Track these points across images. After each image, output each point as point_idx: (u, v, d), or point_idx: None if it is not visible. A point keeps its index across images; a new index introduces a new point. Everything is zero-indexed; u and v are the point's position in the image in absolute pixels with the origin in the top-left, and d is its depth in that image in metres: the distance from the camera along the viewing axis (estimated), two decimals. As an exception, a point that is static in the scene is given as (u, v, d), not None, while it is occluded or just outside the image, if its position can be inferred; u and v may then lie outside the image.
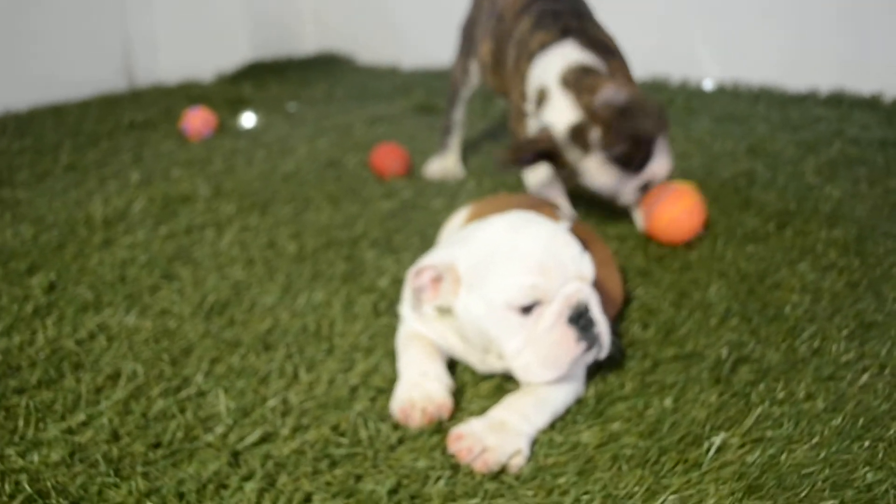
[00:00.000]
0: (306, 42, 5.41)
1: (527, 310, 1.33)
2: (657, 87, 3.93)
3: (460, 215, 1.86)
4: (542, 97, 2.07)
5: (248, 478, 1.26)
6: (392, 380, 1.53)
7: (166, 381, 1.54)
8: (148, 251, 2.16)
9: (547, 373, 1.34)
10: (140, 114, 3.86)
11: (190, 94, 4.31)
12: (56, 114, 3.91)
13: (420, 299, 1.43)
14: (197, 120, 3.51)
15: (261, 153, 3.14)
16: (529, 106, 2.14)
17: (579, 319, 1.33)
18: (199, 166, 2.96)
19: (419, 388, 1.38)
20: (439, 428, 1.37)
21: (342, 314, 1.79)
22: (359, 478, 1.26)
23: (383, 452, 1.32)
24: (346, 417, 1.41)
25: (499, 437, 1.28)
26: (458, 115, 2.83)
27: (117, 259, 2.10)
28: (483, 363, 1.47)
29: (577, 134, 1.99)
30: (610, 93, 1.96)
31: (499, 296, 1.33)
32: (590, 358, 1.38)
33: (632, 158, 1.98)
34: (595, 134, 1.97)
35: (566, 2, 2.34)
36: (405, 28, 5.05)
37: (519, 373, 1.36)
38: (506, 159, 2.07)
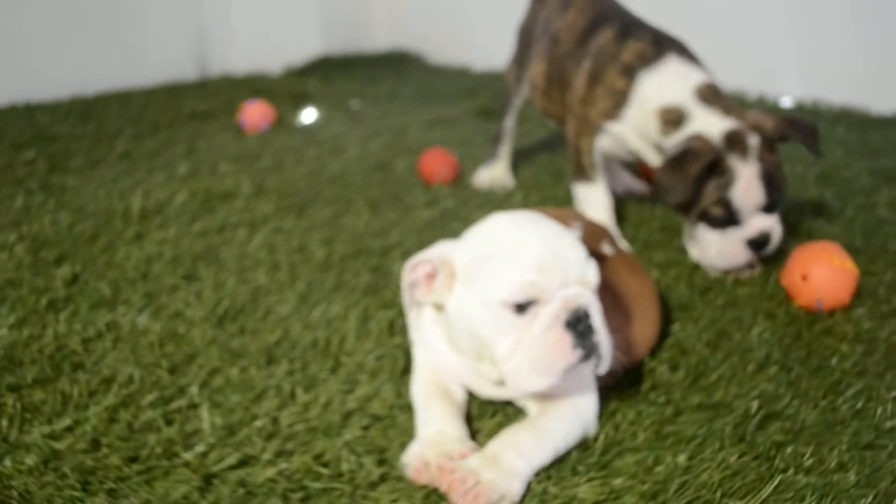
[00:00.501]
0: (377, 39, 5.37)
1: (522, 309, 1.24)
2: (733, 103, 3.74)
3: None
4: (675, 117, 1.98)
5: (214, 505, 1.20)
6: (392, 405, 1.45)
7: (160, 390, 1.49)
8: (176, 248, 2.12)
9: (539, 379, 1.24)
10: (203, 104, 3.87)
11: (255, 86, 4.31)
12: (122, 100, 3.96)
13: (413, 296, 1.34)
14: (255, 113, 3.49)
15: (312, 151, 3.09)
16: (653, 128, 2.03)
17: (577, 324, 1.23)
18: (248, 161, 2.93)
19: (437, 448, 1.26)
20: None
21: (355, 330, 1.71)
22: (330, 516, 1.18)
23: (362, 489, 1.23)
24: (333, 446, 1.33)
25: (493, 473, 1.19)
26: (509, 122, 2.73)
27: (144, 255, 2.08)
28: (481, 379, 1.38)
29: (736, 139, 1.91)
30: (759, 111, 2.00)
31: (494, 292, 1.25)
32: (588, 370, 1.29)
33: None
34: (754, 140, 1.91)
35: (625, 9, 2.24)
36: (477, 29, 4.96)
37: (510, 377, 1.26)
38: (667, 179, 1.92)
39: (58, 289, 1.88)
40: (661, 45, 2.08)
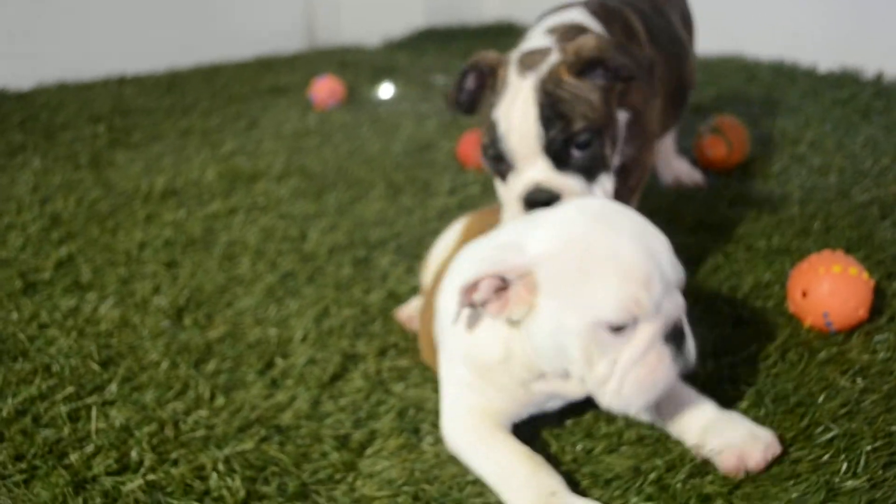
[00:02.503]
0: (486, 10, 5.21)
1: (619, 328, 1.09)
2: (843, 81, 3.34)
3: (454, 231, 1.62)
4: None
5: (67, 515, 1.15)
6: (302, 416, 1.36)
7: (80, 384, 1.46)
8: (176, 232, 2.11)
9: (641, 399, 1.13)
10: (285, 78, 3.88)
11: (343, 59, 4.29)
12: (209, 74, 4.03)
13: (476, 316, 1.20)
14: (323, 90, 3.46)
15: (364, 130, 3.02)
16: None
17: (674, 337, 1.13)
18: (295, 139, 2.90)
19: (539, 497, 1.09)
20: (301, 492, 1.18)
21: (305, 329, 1.63)
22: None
23: (217, 513, 1.15)
24: (215, 460, 1.26)
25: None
26: None
27: (140, 238, 2.07)
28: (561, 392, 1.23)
29: (532, 57, 1.50)
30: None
31: (590, 311, 1.08)
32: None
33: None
34: (553, 58, 1.42)
35: None
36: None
37: (606, 399, 1.13)
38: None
39: (45, 270, 1.91)
40: None
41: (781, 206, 2.12)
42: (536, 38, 1.50)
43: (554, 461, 1.22)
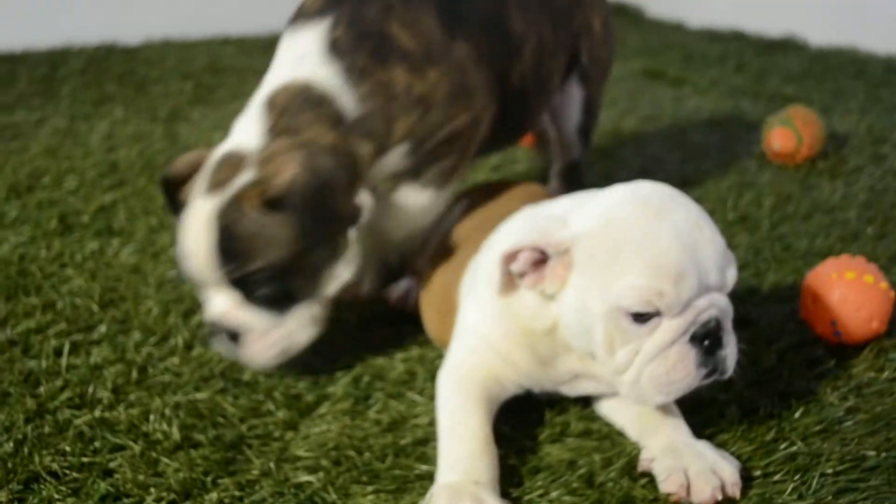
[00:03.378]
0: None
1: (641, 318, 1.06)
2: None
3: (458, 206, 1.59)
4: None
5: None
6: (263, 373, 1.37)
7: (74, 323, 1.54)
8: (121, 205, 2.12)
9: (657, 395, 1.09)
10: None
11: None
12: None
13: (512, 285, 1.15)
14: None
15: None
16: None
17: (704, 339, 1.07)
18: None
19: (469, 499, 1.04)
20: None
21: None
22: None
23: None
24: (165, 405, 1.29)
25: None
26: None
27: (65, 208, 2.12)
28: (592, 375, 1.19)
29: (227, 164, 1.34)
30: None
31: (611, 295, 1.05)
32: (706, 383, 1.10)
33: None
34: (247, 174, 1.30)
35: None
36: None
37: (624, 389, 1.11)
38: None
39: (85, 214, 2.00)
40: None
41: (839, 207, 1.97)
42: (251, 117, 1.30)
43: (506, 445, 1.17)
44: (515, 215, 1.29)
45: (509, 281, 1.13)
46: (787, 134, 2.24)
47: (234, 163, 1.25)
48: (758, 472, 1.12)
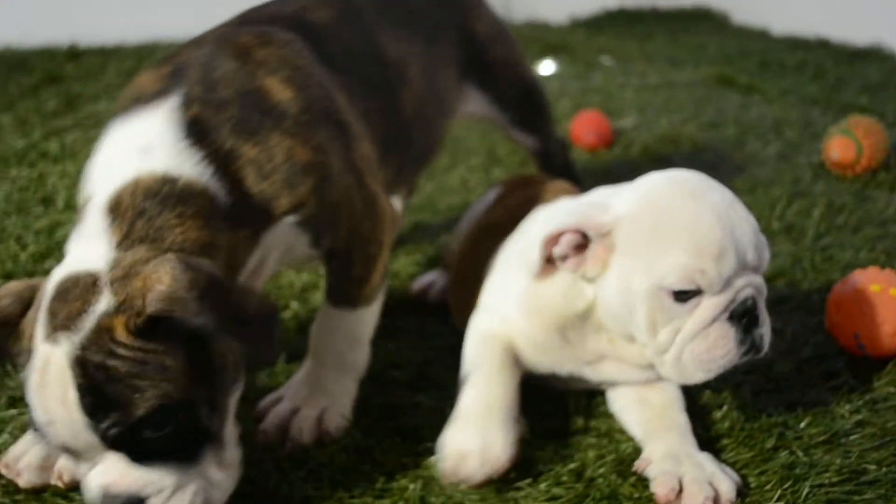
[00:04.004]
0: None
1: (682, 296, 1.09)
2: None
3: (490, 195, 1.62)
4: None
5: None
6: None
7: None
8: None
9: (698, 373, 1.12)
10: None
11: (520, 34, 4.28)
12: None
13: (551, 269, 1.18)
14: (480, 61, 3.49)
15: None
16: None
17: (743, 317, 1.10)
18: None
19: (479, 434, 1.10)
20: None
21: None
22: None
23: None
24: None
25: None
26: None
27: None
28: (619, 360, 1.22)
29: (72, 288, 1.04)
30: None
31: (654, 274, 1.08)
32: (744, 360, 1.13)
33: None
34: (96, 312, 1.00)
35: None
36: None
37: (665, 369, 1.14)
38: None
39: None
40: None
41: (892, 220, 1.91)
42: (91, 228, 1.03)
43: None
44: (553, 203, 1.32)
45: (548, 265, 1.16)
46: (847, 143, 2.18)
47: (82, 288, 0.95)
48: (752, 480, 1.12)
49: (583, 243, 1.13)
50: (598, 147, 2.48)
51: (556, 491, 1.10)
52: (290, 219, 1.14)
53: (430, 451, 1.17)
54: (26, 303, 1.00)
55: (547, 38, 4.20)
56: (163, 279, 0.92)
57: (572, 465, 1.15)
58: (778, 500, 1.07)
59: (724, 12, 4.82)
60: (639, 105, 2.96)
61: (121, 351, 0.92)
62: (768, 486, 1.10)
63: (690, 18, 4.76)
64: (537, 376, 1.25)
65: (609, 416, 1.27)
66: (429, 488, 1.11)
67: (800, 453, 1.16)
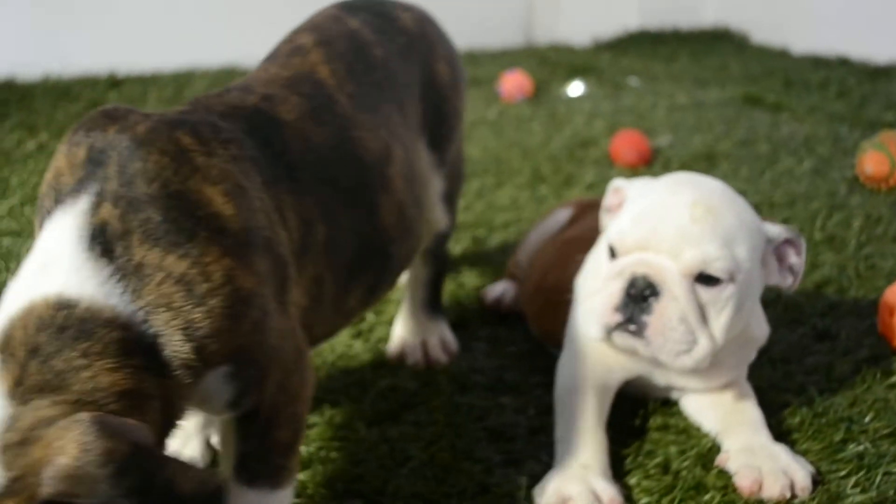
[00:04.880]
0: (704, 14, 5.10)
1: (612, 255, 1.22)
2: None
3: (562, 213, 1.71)
4: None
5: None
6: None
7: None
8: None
9: (587, 325, 1.23)
10: (485, 70, 4.05)
11: (545, 56, 4.40)
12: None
13: (604, 220, 1.33)
14: (511, 83, 3.60)
15: (535, 124, 3.13)
16: None
17: (630, 289, 1.16)
18: (468, 127, 3.06)
19: (583, 483, 1.15)
20: None
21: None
22: None
23: None
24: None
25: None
26: None
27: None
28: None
29: None
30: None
31: (608, 230, 1.26)
32: (632, 343, 1.17)
33: None
34: None
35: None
36: (803, 7, 4.49)
37: (580, 319, 1.28)
38: None
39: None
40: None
41: (929, 230, 2.00)
42: None
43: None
44: None
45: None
46: (880, 158, 2.27)
47: None
48: (824, 469, 1.20)
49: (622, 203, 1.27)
50: (638, 165, 2.57)
51: (646, 483, 1.19)
52: (224, 367, 0.89)
53: (521, 450, 1.26)
54: None
55: (572, 61, 4.30)
56: (67, 449, 0.71)
57: (658, 460, 1.24)
58: (854, 486, 1.15)
59: (744, 32, 4.92)
60: (671, 124, 3.06)
61: None
62: (843, 474, 1.18)
63: (711, 39, 4.87)
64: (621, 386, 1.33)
65: (685, 415, 1.36)
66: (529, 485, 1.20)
67: (867, 444, 1.24)
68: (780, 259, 1.23)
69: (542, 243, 1.63)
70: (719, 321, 1.17)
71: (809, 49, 4.38)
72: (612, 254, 1.21)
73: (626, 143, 2.59)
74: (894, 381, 1.41)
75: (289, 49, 1.21)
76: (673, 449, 1.27)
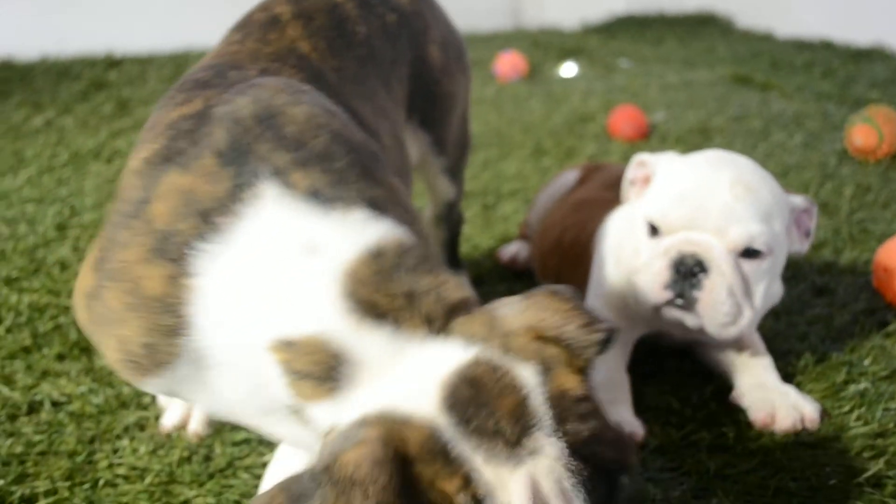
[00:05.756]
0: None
1: (654, 232, 1.27)
2: None
3: (569, 176, 1.80)
4: None
5: None
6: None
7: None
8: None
9: (637, 303, 1.28)
10: (478, 52, 4.11)
11: (537, 39, 4.48)
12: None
13: (626, 192, 1.40)
14: (506, 64, 3.68)
15: (533, 101, 3.21)
16: None
17: (680, 267, 1.22)
18: (466, 105, 3.14)
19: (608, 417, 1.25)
20: None
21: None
22: None
23: None
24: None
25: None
26: None
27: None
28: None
29: None
30: None
31: (644, 207, 1.29)
32: (681, 316, 1.24)
33: None
34: None
35: None
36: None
37: (633, 293, 1.29)
38: None
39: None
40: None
41: (916, 197, 2.11)
42: None
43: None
44: None
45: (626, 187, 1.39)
46: (869, 131, 2.37)
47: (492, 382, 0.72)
48: (829, 406, 1.29)
49: (648, 178, 1.34)
50: (636, 139, 2.66)
51: (665, 417, 1.28)
52: None
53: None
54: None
55: (563, 43, 4.39)
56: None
57: (674, 398, 1.33)
58: (857, 419, 1.25)
59: (729, 17, 5.03)
60: (665, 102, 3.15)
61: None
62: (846, 409, 1.28)
63: (696, 23, 4.97)
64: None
65: (697, 360, 1.45)
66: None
67: (867, 384, 1.34)
68: (798, 226, 1.32)
69: (552, 204, 1.72)
70: (759, 290, 1.26)
71: (793, 33, 4.49)
72: (653, 231, 1.27)
73: (623, 118, 2.68)
74: (890, 330, 1.51)
75: (264, 19, 1.13)
76: (689, 387, 1.35)
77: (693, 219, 1.23)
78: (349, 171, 0.83)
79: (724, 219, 1.22)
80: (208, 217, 0.78)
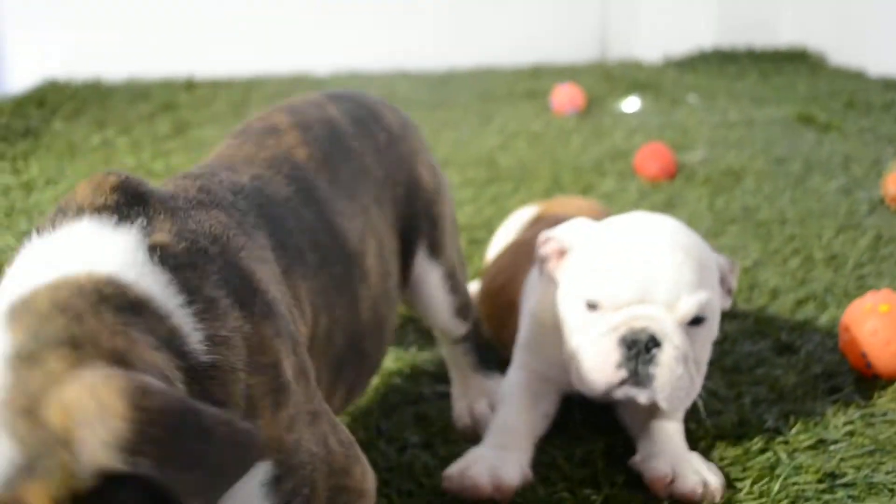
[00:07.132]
0: (780, 33, 4.98)
1: (593, 308, 1.20)
2: None
3: (526, 213, 1.75)
4: None
5: None
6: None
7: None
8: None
9: (584, 385, 1.21)
10: (545, 84, 4.08)
11: (611, 72, 4.40)
12: (482, 76, 4.37)
13: (542, 270, 1.33)
14: (563, 96, 3.63)
15: (574, 136, 3.15)
16: None
17: (633, 346, 1.16)
18: (509, 137, 3.12)
19: (490, 465, 1.16)
20: None
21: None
22: None
23: None
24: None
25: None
26: None
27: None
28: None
29: None
30: None
31: (573, 284, 1.23)
32: (635, 393, 1.18)
33: None
34: None
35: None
36: (883, 29, 4.33)
37: (572, 376, 1.23)
38: None
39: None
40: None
41: (938, 253, 1.94)
42: None
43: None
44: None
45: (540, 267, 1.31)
46: (906, 178, 2.20)
47: None
48: (734, 476, 1.20)
49: (563, 251, 1.27)
50: (660, 178, 2.56)
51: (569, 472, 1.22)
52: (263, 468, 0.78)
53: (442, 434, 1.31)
54: None
55: (637, 77, 4.29)
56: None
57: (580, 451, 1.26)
58: (749, 493, 1.15)
59: (821, 53, 4.78)
60: (712, 140, 3.03)
61: None
62: (748, 480, 1.18)
63: (785, 59, 4.75)
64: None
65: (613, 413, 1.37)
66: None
67: (783, 455, 1.23)
68: (723, 284, 1.25)
69: (503, 245, 1.67)
70: (704, 355, 1.21)
71: (886, 72, 4.22)
72: (591, 306, 1.20)
73: (649, 156, 2.59)
74: (838, 398, 1.38)
75: (262, 127, 1.14)
76: (600, 444, 1.28)
77: (643, 293, 1.16)
78: None
79: (674, 290, 1.16)
80: None
